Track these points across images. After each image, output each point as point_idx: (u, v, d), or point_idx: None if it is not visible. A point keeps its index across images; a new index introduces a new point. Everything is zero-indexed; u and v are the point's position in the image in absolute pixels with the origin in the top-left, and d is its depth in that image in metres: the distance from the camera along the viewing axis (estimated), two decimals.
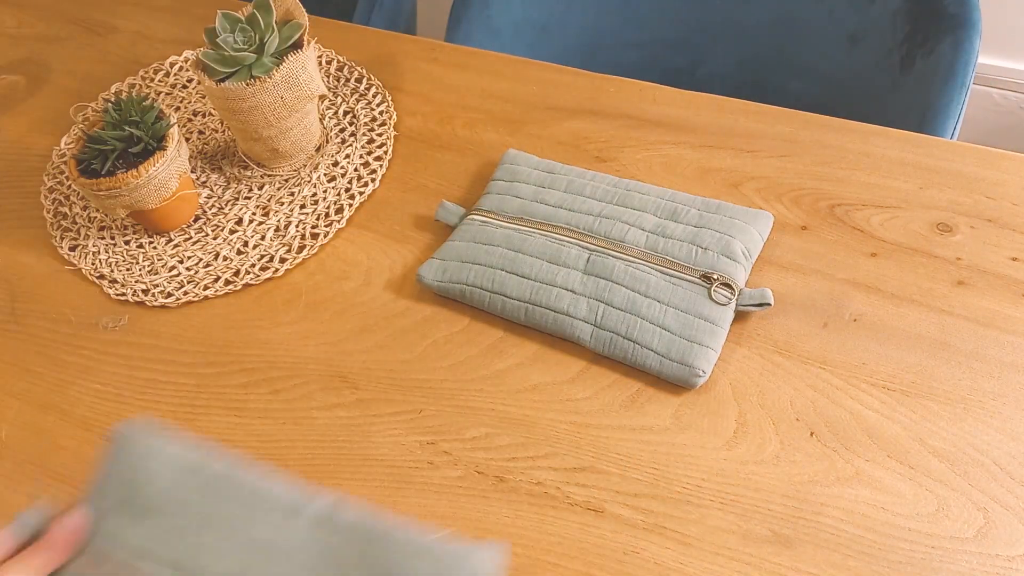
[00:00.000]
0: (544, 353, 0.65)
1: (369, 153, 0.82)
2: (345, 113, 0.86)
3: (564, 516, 0.57)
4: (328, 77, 0.90)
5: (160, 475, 0.48)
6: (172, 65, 0.96)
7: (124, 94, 0.88)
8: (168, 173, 0.72)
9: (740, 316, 0.64)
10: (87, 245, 0.78)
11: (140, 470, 0.48)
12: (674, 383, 0.61)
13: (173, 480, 0.48)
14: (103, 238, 0.79)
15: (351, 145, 0.83)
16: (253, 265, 0.74)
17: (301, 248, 0.75)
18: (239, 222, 0.78)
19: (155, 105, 0.74)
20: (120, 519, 0.47)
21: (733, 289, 0.63)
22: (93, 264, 0.77)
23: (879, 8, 0.95)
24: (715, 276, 0.63)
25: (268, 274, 0.73)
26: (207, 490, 0.48)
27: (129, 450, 0.49)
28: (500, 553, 0.46)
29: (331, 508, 0.47)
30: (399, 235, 0.75)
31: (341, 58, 0.92)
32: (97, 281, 0.75)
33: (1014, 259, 0.65)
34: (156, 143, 0.73)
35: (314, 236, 0.76)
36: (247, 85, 0.72)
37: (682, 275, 0.64)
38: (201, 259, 0.75)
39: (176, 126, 0.74)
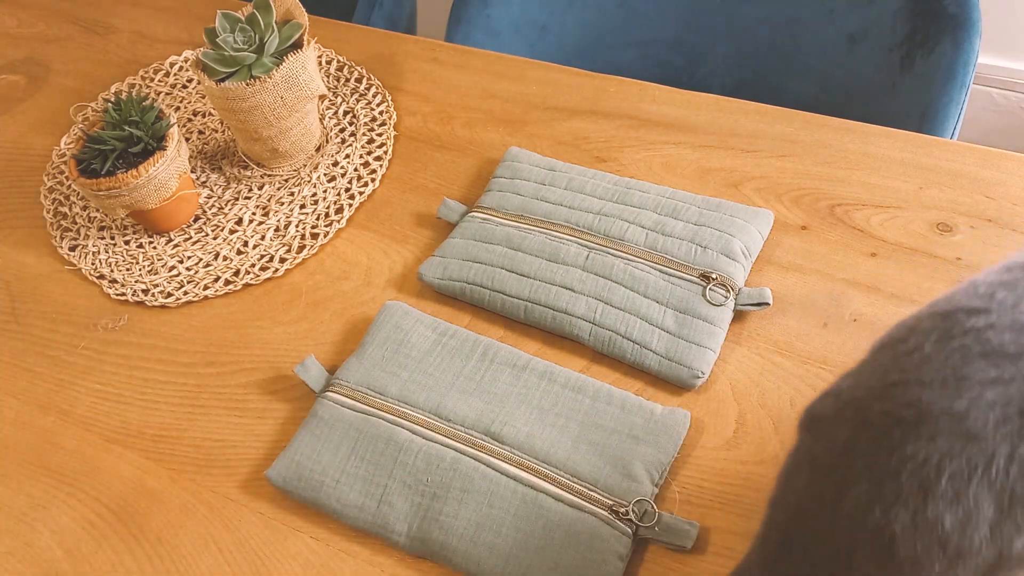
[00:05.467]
0: (544, 352, 0.65)
1: (369, 153, 0.82)
2: (345, 113, 0.86)
3: None
4: (328, 77, 0.90)
5: (422, 336, 0.64)
6: (172, 65, 0.96)
7: (124, 94, 0.88)
8: (168, 173, 0.72)
9: (739, 316, 0.64)
10: (87, 245, 0.78)
11: (404, 332, 0.64)
12: (673, 383, 0.61)
13: (431, 342, 0.63)
14: (103, 238, 0.79)
15: (351, 145, 0.83)
16: (253, 265, 0.74)
17: (301, 248, 0.75)
18: (239, 222, 0.78)
19: (155, 105, 0.74)
20: (383, 373, 0.62)
21: (729, 289, 0.63)
22: (93, 264, 0.77)
23: (879, 8, 0.95)
24: (714, 276, 0.63)
25: (268, 274, 0.73)
26: (453, 352, 0.62)
27: (394, 317, 0.65)
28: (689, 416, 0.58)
29: (552, 367, 0.61)
30: (399, 235, 0.75)
31: (341, 58, 0.92)
32: (97, 281, 0.75)
33: None
34: (156, 143, 0.73)
35: (314, 236, 0.76)
36: (247, 85, 0.72)
37: (681, 274, 0.64)
38: (201, 259, 0.75)
39: (176, 126, 0.74)
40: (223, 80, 0.73)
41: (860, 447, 0.36)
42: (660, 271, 0.65)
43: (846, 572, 0.36)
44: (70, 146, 0.88)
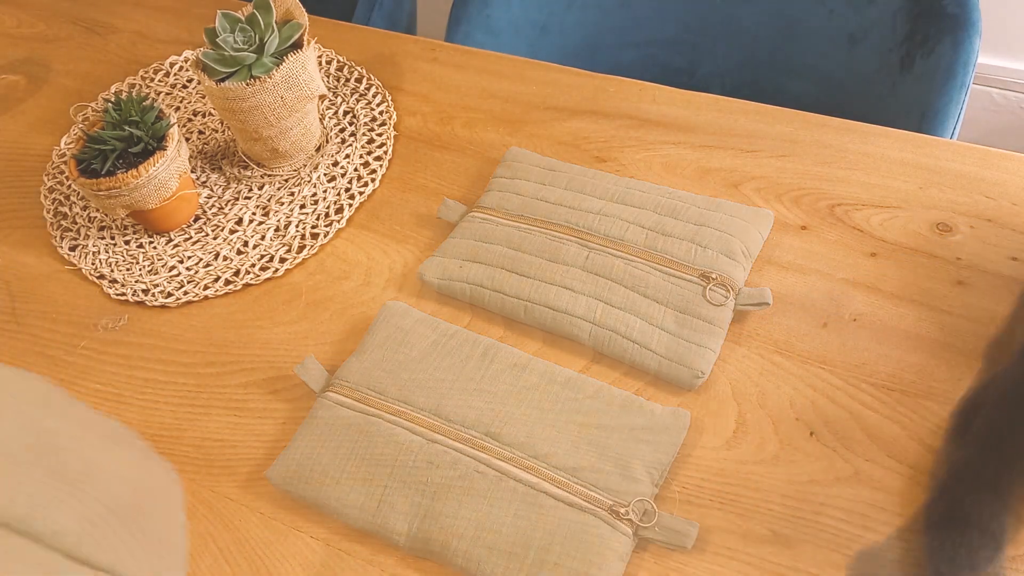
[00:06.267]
0: (544, 352, 0.65)
1: (369, 153, 0.82)
2: (345, 113, 0.86)
3: None
4: (328, 77, 0.90)
5: (422, 336, 0.63)
6: (172, 65, 0.96)
7: (124, 94, 0.88)
8: (168, 173, 0.72)
9: (739, 316, 0.64)
10: (87, 245, 0.78)
11: (404, 332, 0.64)
12: (673, 383, 0.61)
13: (431, 342, 0.63)
14: (103, 238, 0.79)
15: (351, 145, 0.83)
16: (253, 265, 0.74)
17: (301, 248, 0.75)
18: (239, 222, 0.78)
19: (155, 105, 0.74)
20: (383, 373, 0.61)
21: (729, 289, 0.63)
22: (93, 264, 0.77)
23: (879, 8, 0.95)
24: (713, 276, 0.63)
25: (268, 274, 0.73)
26: (453, 352, 0.62)
27: (394, 317, 0.65)
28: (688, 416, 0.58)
29: (552, 367, 0.61)
30: (399, 235, 0.75)
31: (341, 58, 0.92)
32: (97, 281, 0.75)
33: (1014, 259, 0.65)
34: (156, 143, 0.73)
35: (314, 236, 0.76)
36: (247, 85, 0.72)
37: (681, 274, 0.64)
38: (201, 259, 0.75)
39: (176, 126, 0.74)
40: (223, 80, 0.73)
41: None
42: (660, 271, 0.65)
43: None
44: (70, 146, 0.88)
